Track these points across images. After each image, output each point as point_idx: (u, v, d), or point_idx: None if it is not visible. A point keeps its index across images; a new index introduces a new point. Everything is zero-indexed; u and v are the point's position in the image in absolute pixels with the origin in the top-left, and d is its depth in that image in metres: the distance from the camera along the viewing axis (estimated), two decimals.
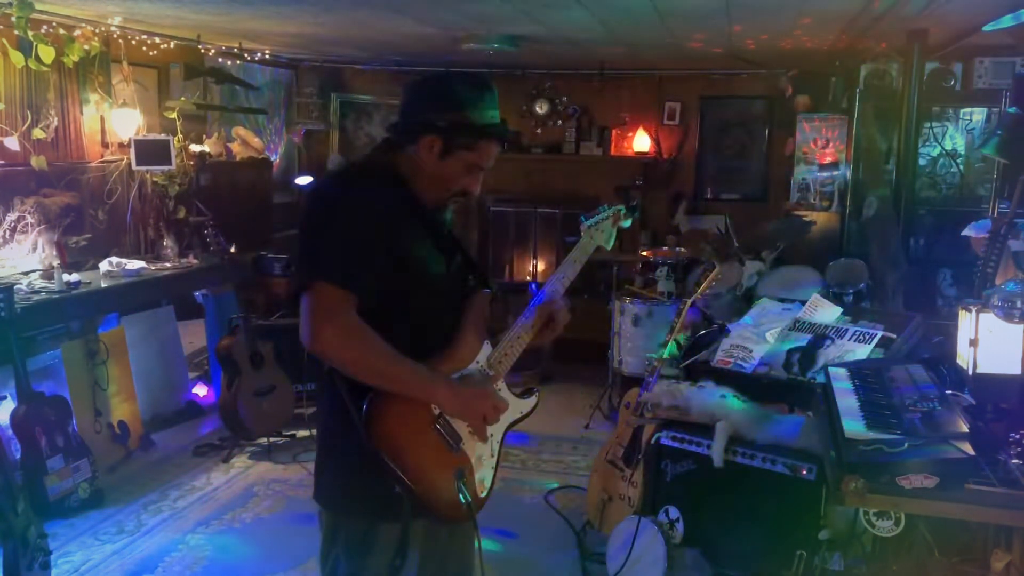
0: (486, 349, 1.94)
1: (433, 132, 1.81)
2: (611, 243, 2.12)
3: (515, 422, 2.01)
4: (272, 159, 6.59)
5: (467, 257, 2.02)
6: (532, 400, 2.04)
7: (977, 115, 4.91)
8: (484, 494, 1.94)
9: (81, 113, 4.82)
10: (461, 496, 1.83)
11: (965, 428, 1.91)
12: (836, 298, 3.68)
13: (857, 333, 3.04)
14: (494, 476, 1.97)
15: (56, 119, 4.61)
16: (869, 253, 4.54)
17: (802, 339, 3.09)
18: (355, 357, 1.73)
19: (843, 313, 3.29)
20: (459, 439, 1.86)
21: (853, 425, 2.02)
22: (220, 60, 5.92)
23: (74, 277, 4.26)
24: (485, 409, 1.87)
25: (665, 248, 5.79)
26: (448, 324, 1.91)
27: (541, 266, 7.13)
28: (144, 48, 5.12)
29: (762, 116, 6.75)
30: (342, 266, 1.72)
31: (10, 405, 3.85)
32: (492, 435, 1.94)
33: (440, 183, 1.87)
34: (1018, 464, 1.90)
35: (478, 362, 1.92)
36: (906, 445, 1.88)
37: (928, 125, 4.89)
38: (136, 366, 4.79)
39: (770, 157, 6.70)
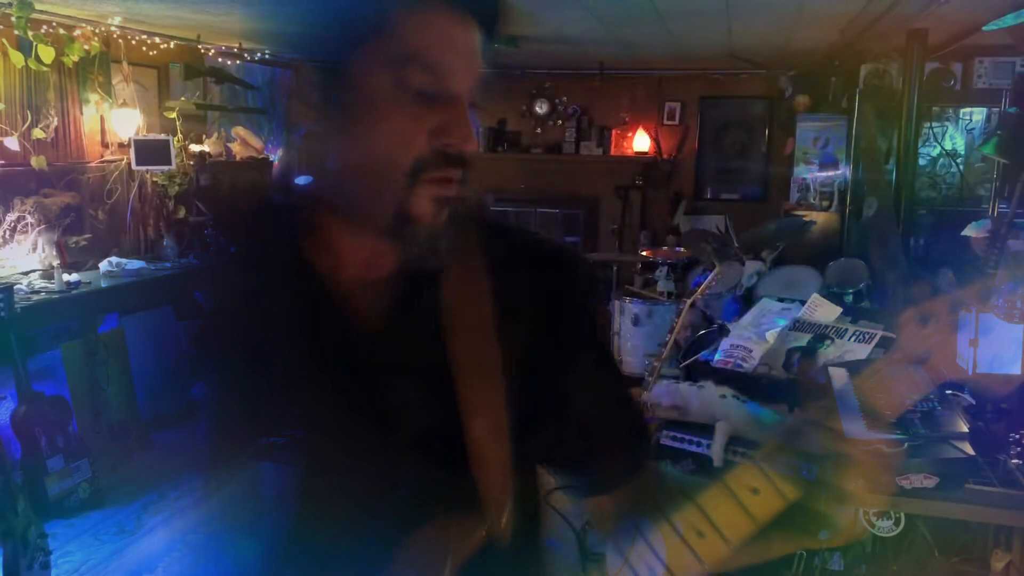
0: None
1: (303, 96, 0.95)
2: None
3: None
4: (272, 159, 6.59)
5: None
6: None
7: (977, 115, 4.91)
8: None
9: (81, 113, 4.81)
10: None
11: (965, 428, 1.91)
12: (836, 298, 3.67)
13: (857, 333, 3.04)
14: None
15: (56, 119, 4.60)
16: (869, 253, 4.53)
17: (802, 339, 3.09)
18: None
19: (843, 313, 3.28)
20: None
21: (853, 425, 2.02)
22: (220, 60, 5.92)
23: (74, 277, 4.26)
24: None
25: (665, 248, 5.79)
26: (358, 543, 0.94)
27: None
28: (144, 48, 5.12)
29: (762, 116, 6.75)
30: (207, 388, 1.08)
31: (10, 405, 3.86)
32: None
33: (372, 171, 0.90)
34: (1018, 464, 1.90)
35: None
36: (906, 445, 1.88)
37: (928, 125, 4.89)
38: (136, 366, 4.79)
39: (770, 157, 6.70)
